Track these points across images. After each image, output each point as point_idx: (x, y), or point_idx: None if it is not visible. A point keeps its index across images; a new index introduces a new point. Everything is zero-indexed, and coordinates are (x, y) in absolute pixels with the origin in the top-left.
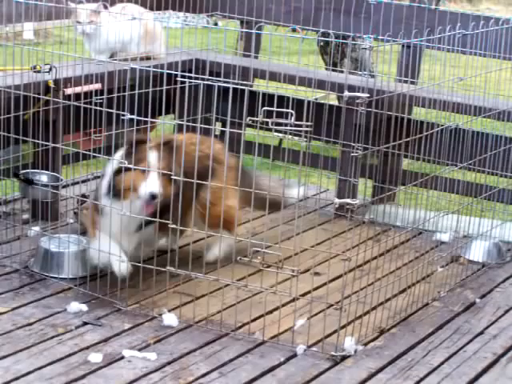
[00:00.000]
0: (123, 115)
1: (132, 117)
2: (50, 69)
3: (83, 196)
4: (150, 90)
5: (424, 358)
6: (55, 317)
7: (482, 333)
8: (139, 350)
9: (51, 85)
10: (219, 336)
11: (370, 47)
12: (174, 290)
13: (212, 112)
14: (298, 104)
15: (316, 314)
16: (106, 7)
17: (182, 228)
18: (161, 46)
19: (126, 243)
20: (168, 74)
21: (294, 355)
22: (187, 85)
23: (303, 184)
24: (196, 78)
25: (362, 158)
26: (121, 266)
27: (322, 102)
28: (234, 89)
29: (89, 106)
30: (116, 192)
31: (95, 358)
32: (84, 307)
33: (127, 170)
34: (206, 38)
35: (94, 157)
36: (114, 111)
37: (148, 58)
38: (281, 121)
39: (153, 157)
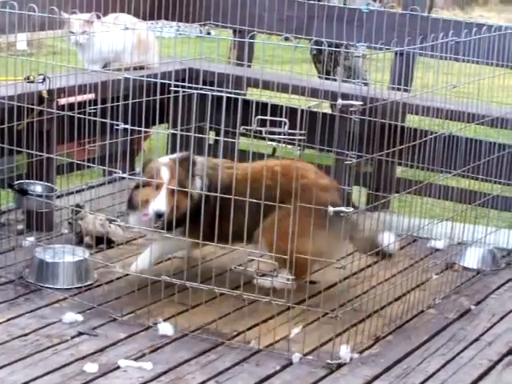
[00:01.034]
0: (117, 125)
1: (126, 126)
2: (44, 79)
3: (77, 206)
4: (144, 99)
5: (420, 365)
6: (50, 327)
7: (477, 339)
8: (135, 359)
9: (45, 95)
10: (215, 345)
11: (363, 55)
12: (169, 300)
13: (206, 121)
14: (292, 112)
15: (311, 323)
16: (98, 17)
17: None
18: (154, 55)
19: None
20: (161, 83)
21: (290, 363)
22: (181, 94)
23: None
24: (189, 88)
25: (356, 165)
26: None
27: (316, 110)
28: (227, 98)
29: (83, 116)
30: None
31: (91, 368)
32: (79, 317)
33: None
34: (199, 47)
35: (89, 167)
36: (107, 121)
37: (141, 68)
38: (274, 129)
39: (164, 173)
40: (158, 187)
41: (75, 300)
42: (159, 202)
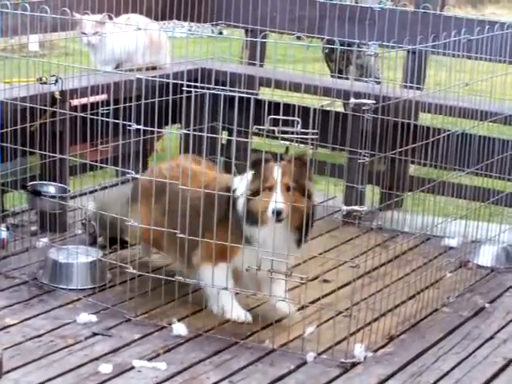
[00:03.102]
0: (130, 125)
1: (138, 127)
2: (56, 80)
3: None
4: (156, 99)
5: (434, 363)
6: (65, 328)
7: (491, 338)
8: (149, 359)
9: (57, 96)
10: (229, 345)
11: (376, 54)
12: (183, 300)
13: (218, 121)
14: (304, 112)
15: (325, 322)
16: (110, 18)
17: None
18: (166, 55)
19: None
20: (174, 83)
21: (304, 363)
22: (193, 94)
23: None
24: (202, 88)
25: (369, 164)
26: (242, 314)
27: (328, 109)
28: (239, 97)
29: (95, 117)
30: (252, 218)
31: (105, 368)
32: (93, 318)
33: (256, 194)
34: (211, 47)
35: (101, 167)
36: (120, 122)
37: (153, 68)
38: (287, 129)
39: (277, 172)
40: (271, 189)
41: (89, 301)
42: (277, 200)
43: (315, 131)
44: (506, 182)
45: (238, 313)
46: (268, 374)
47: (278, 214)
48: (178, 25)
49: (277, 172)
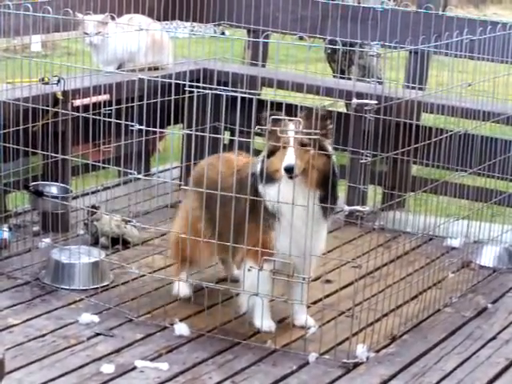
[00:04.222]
0: (132, 126)
1: (141, 127)
2: (59, 80)
3: (93, 207)
4: (159, 100)
5: (436, 364)
6: (67, 328)
7: (494, 338)
8: (151, 360)
9: (59, 96)
10: (231, 345)
11: (378, 54)
12: (185, 300)
13: (220, 121)
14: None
15: (328, 322)
16: (113, 18)
17: None
18: (168, 56)
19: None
20: (176, 83)
21: (306, 363)
22: (195, 94)
23: None
24: (204, 88)
25: (371, 164)
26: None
27: (330, 109)
28: (241, 98)
29: (97, 117)
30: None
31: (107, 368)
32: (96, 318)
33: (272, 152)
34: (213, 47)
35: (104, 168)
36: (122, 122)
37: (156, 69)
38: (289, 129)
39: (290, 130)
40: (285, 146)
41: (91, 301)
42: (288, 158)
43: (317, 131)
44: (508, 183)
45: (266, 323)
46: (270, 375)
47: (289, 170)
48: (181, 25)
49: (291, 129)
